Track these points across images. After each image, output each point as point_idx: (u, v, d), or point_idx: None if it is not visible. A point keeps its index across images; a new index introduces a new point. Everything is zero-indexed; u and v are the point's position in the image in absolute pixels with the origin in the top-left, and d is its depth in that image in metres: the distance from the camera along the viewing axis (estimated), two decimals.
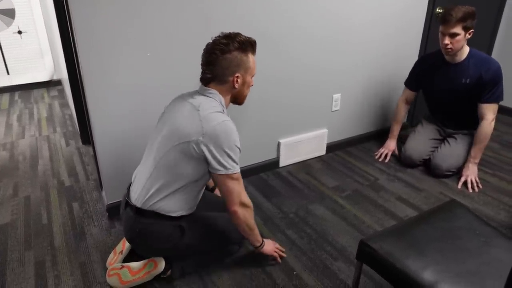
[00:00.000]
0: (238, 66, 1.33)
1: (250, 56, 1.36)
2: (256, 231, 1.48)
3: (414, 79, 2.40)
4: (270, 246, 1.58)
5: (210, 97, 1.35)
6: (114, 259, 1.57)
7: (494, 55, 3.32)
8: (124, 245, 1.60)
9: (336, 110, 2.54)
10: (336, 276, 1.56)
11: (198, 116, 1.29)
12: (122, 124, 1.78)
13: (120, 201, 1.88)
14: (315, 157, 2.57)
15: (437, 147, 2.40)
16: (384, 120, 2.86)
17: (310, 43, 2.21)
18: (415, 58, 2.78)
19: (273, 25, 2.03)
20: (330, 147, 2.62)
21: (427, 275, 1.05)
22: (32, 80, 4.22)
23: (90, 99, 1.67)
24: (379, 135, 2.87)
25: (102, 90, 1.67)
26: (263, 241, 1.53)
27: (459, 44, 2.03)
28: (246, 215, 1.40)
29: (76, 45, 1.56)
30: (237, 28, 1.90)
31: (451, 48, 2.04)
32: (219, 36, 1.34)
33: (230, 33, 1.34)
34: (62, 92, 4.15)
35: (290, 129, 2.37)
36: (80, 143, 2.81)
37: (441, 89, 2.26)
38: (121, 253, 1.57)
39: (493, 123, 2.12)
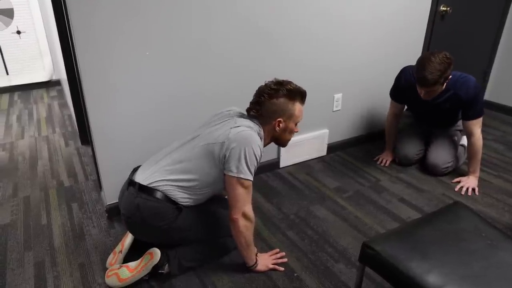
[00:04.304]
0: (282, 111, 1.44)
1: (297, 104, 1.46)
2: (252, 249, 1.50)
3: (397, 93, 2.32)
4: (265, 262, 1.57)
5: (255, 124, 1.45)
6: (114, 259, 1.56)
7: (499, 54, 3.30)
8: (123, 245, 1.59)
9: (337, 110, 2.52)
10: (337, 278, 1.54)
11: (230, 128, 1.39)
12: (121, 124, 1.76)
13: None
14: (316, 158, 2.55)
15: (426, 138, 2.42)
16: (386, 120, 2.83)
17: (311, 42, 2.19)
18: (418, 57, 2.76)
19: (274, 23, 2.01)
20: (331, 148, 2.60)
21: (432, 279, 1.03)
22: (32, 81, 4.21)
23: (89, 99, 1.65)
24: (381, 136, 2.85)
25: (101, 90, 1.66)
26: (256, 261, 1.53)
27: (437, 93, 1.99)
28: (247, 226, 1.42)
29: (74, 45, 1.55)
30: (237, 25, 1.90)
31: (429, 98, 2.01)
32: (271, 81, 1.45)
33: (282, 80, 1.45)
34: (61, 92, 4.14)
35: None
36: (80, 144, 2.79)
37: (422, 109, 2.28)
38: (121, 252, 1.56)
39: (481, 135, 2.12)
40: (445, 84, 1.96)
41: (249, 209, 1.41)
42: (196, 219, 1.50)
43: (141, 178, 1.45)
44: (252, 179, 1.38)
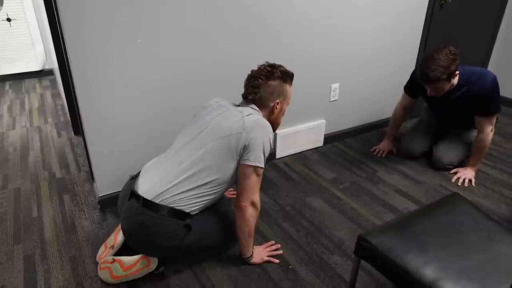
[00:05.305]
0: (279, 93, 1.46)
1: (288, 86, 1.49)
2: (252, 240, 1.48)
3: (412, 87, 2.25)
4: (260, 254, 1.54)
5: (256, 109, 1.45)
6: (104, 253, 1.52)
7: (497, 45, 3.26)
8: (116, 240, 1.55)
9: (334, 100, 2.48)
10: (333, 270, 1.52)
11: (242, 117, 1.36)
12: (113, 114, 1.72)
13: (113, 193, 1.85)
14: (312, 149, 2.52)
15: (436, 139, 2.36)
16: (384, 111, 2.81)
17: (308, 29, 2.14)
18: (416, 48, 2.72)
19: (271, 9, 1.96)
20: (328, 138, 2.57)
21: (429, 272, 1.01)
22: (23, 70, 4.12)
23: (79, 89, 1.60)
24: (379, 126, 2.83)
25: (91, 79, 1.61)
26: (252, 253, 1.51)
27: (445, 90, 1.92)
28: (253, 215, 1.40)
29: (63, 32, 1.49)
30: (234, 12, 1.84)
31: (436, 94, 1.94)
32: (264, 64, 1.45)
33: (274, 63, 1.46)
34: (54, 82, 4.07)
35: (286, 119, 2.31)
36: (72, 134, 2.75)
37: (437, 105, 2.23)
38: (112, 248, 1.51)
39: (491, 133, 2.06)
40: (453, 80, 1.88)
41: (257, 198, 1.40)
42: (207, 228, 1.43)
43: (145, 189, 1.35)
44: (264, 167, 1.38)
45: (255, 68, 1.47)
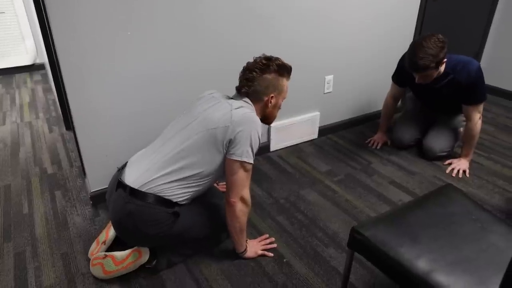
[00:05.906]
0: (274, 87, 1.42)
1: (285, 80, 1.45)
2: (244, 235, 1.47)
3: (400, 76, 2.25)
4: (254, 248, 1.53)
5: (248, 103, 1.41)
6: (96, 249, 1.50)
7: (491, 36, 3.25)
8: (107, 235, 1.54)
9: (328, 92, 2.46)
10: (327, 263, 1.52)
11: (230, 110, 1.34)
12: (103, 108, 1.69)
13: (105, 188, 1.82)
14: (307, 141, 2.51)
15: (425, 127, 2.37)
16: (378, 103, 2.79)
17: (302, 21, 2.11)
18: (410, 39, 2.69)
19: (265, 1, 1.92)
20: (322, 131, 2.56)
21: (422, 264, 1.00)
22: (14, 64, 4.05)
23: (68, 83, 1.57)
24: (373, 118, 2.81)
25: (80, 73, 1.57)
26: (246, 247, 1.50)
27: (433, 77, 1.91)
28: (243, 211, 1.38)
29: (51, 25, 1.45)
30: (227, 3, 1.80)
31: (424, 82, 1.94)
32: (260, 57, 1.41)
33: (271, 56, 1.42)
34: (45, 76, 4.00)
35: (281, 112, 2.29)
36: (64, 129, 2.71)
37: (424, 93, 2.22)
38: (104, 244, 1.50)
39: (480, 121, 2.06)
40: (440, 67, 1.89)
41: (247, 193, 1.37)
42: (195, 217, 1.42)
43: (131, 179, 1.34)
44: (252, 163, 1.35)
45: (250, 60, 1.44)
